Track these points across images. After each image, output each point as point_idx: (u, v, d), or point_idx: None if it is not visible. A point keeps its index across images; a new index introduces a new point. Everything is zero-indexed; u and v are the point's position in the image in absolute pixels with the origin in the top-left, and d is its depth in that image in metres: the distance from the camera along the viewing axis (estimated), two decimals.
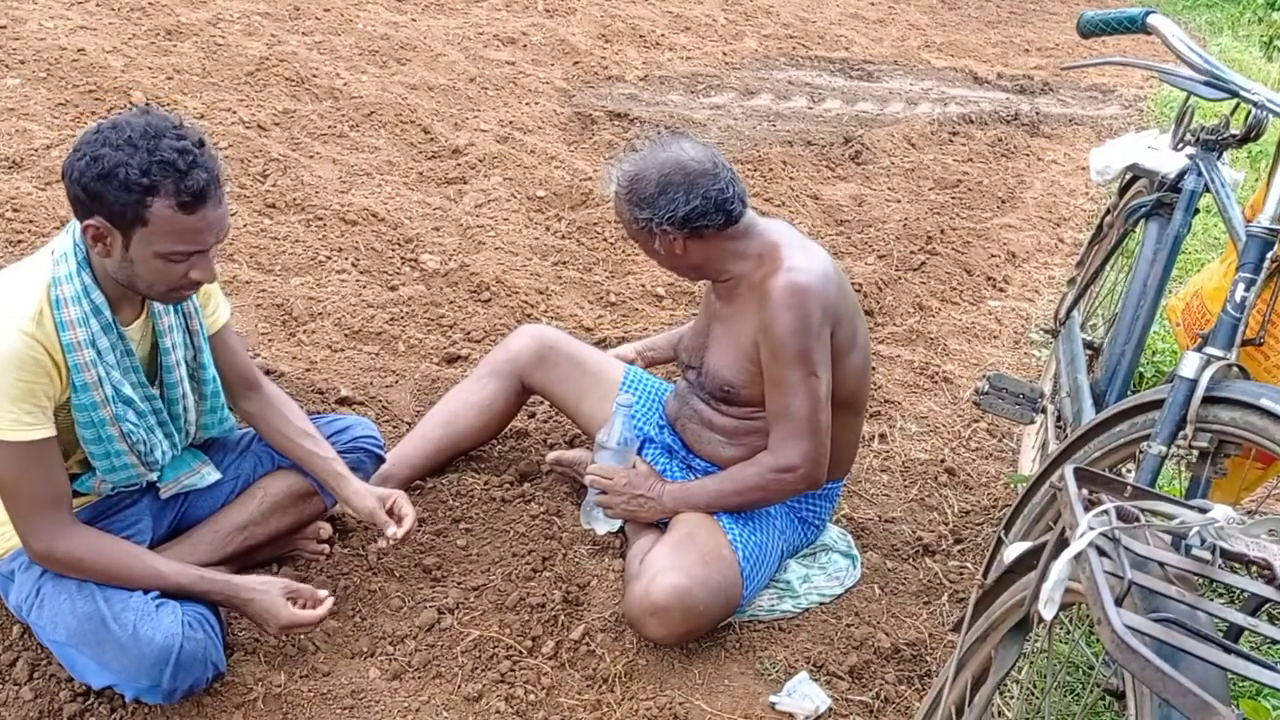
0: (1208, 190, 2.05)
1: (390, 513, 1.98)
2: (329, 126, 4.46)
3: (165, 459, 1.89)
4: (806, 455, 2.03)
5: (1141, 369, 3.07)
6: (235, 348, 2.02)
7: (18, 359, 1.60)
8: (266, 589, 1.80)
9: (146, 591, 1.75)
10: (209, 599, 1.80)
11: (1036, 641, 1.85)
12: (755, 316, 2.03)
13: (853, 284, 3.57)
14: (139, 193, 1.57)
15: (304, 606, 1.83)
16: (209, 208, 1.63)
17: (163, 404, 1.86)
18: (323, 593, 1.86)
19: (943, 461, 2.76)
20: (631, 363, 2.47)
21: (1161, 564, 1.05)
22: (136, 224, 1.60)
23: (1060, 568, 1.05)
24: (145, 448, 1.81)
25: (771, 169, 4.63)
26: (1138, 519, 1.09)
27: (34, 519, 1.68)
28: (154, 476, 1.89)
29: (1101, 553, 1.03)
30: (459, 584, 2.11)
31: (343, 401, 2.65)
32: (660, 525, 2.16)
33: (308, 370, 2.78)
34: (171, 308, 1.84)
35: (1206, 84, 1.93)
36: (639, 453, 2.26)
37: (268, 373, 2.64)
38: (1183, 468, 1.67)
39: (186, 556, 1.92)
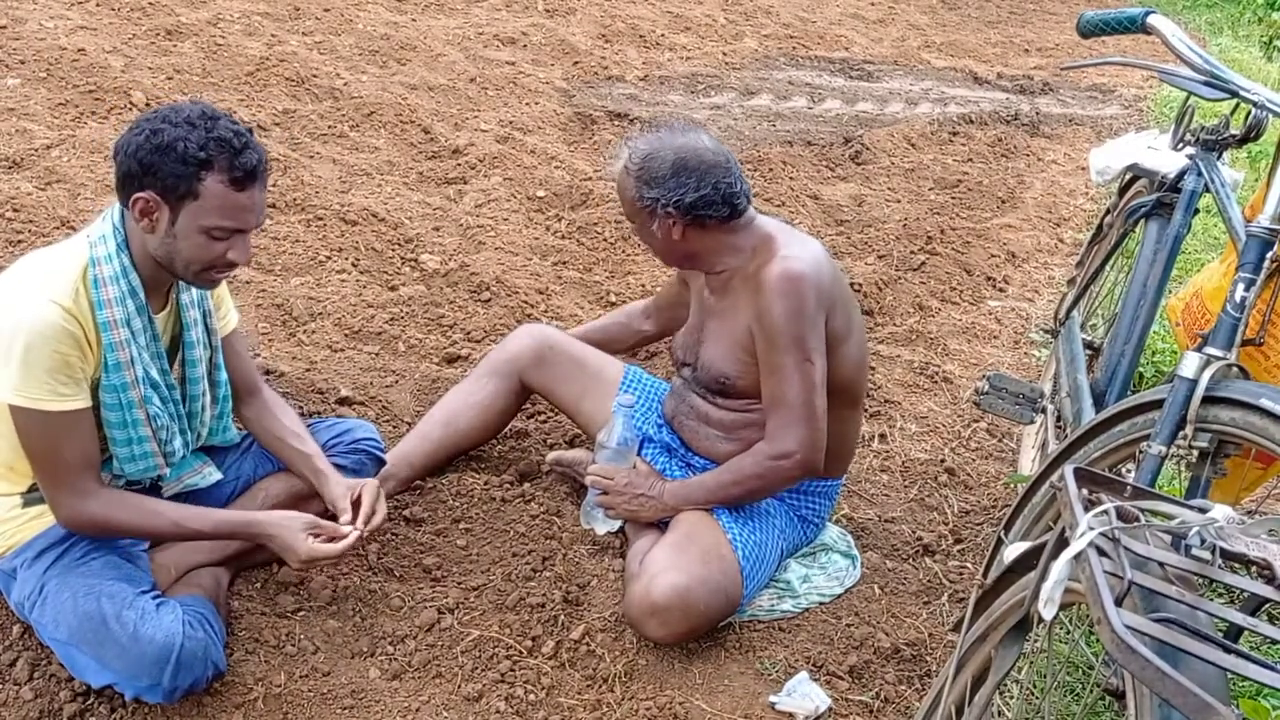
0: (1207, 190, 2.05)
1: (356, 504, 1.96)
2: (329, 126, 4.46)
3: (180, 454, 1.91)
4: (803, 441, 2.02)
5: (1141, 369, 3.07)
6: (241, 353, 2.06)
7: (54, 331, 1.63)
8: (288, 524, 1.85)
9: (146, 590, 1.76)
10: (234, 538, 1.88)
11: (1036, 641, 1.85)
12: (750, 307, 2.04)
13: (853, 284, 3.58)
14: (195, 166, 1.65)
15: (327, 542, 1.88)
16: (256, 188, 1.71)
17: (182, 397, 1.89)
18: (345, 528, 1.90)
19: (943, 461, 2.76)
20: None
21: (1161, 564, 1.05)
22: (188, 197, 1.66)
23: (1060, 568, 1.05)
24: (166, 434, 1.84)
25: (771, 169, 4.62)
26: (1137, 519, 1.09)
27: (63, 486, 1.72)
28: (168, 470, 1.90)
29: (1101, 553, 1.03)
30: (459, 584, 2.12)
31: (343, 401, 2.65)
32: (661, 525, 2.16)
33: (308, 370, 2.78)
34: (195, 303, 1.88)
35: (1206, 84, 1.93)
36: (639, 452, 2.26)
37: (267, 373, 2.65)
38: (1183, 468, 1.67)
39: (186, 555, 1.93)
